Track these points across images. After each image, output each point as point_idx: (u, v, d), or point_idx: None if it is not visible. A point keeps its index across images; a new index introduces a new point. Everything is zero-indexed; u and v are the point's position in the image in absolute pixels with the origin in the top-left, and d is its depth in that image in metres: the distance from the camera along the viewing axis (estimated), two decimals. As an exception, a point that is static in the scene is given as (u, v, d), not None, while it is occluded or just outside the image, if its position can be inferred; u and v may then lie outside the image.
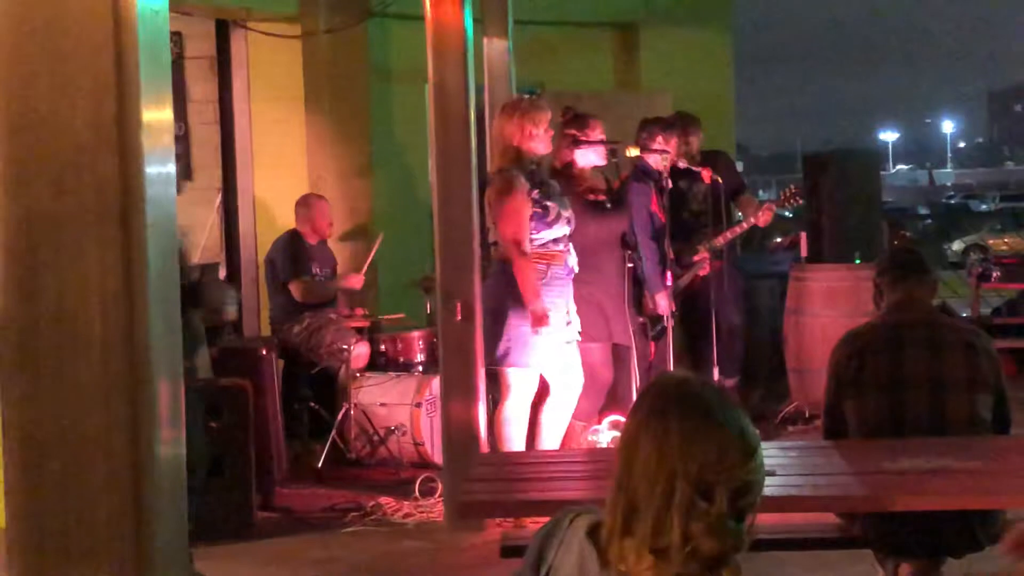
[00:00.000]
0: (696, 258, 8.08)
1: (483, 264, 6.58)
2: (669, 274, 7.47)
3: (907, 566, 4.31)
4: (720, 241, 8.20)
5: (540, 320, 6.20)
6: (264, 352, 7.21)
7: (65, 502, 2.25)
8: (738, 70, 12.25)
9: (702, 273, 8.06)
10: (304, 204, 8.47)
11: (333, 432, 7.56)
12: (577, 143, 6.93)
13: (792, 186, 8.81)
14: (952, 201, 50.48)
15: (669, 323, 7.47)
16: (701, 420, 2.01)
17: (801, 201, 8.67)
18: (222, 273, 9.51)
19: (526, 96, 6.65)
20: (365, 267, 8.49)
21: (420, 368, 8.04)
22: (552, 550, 2.17)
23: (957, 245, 27.75)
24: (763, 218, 8.42)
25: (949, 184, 75.86)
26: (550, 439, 6.52)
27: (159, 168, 2.35)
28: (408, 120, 9.82)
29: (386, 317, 8.39)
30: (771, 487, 3.85)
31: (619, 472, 2.04)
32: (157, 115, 2.34)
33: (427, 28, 6.30)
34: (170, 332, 2.33)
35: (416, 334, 8.19)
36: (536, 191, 6.31)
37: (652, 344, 7.45)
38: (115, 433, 2.24)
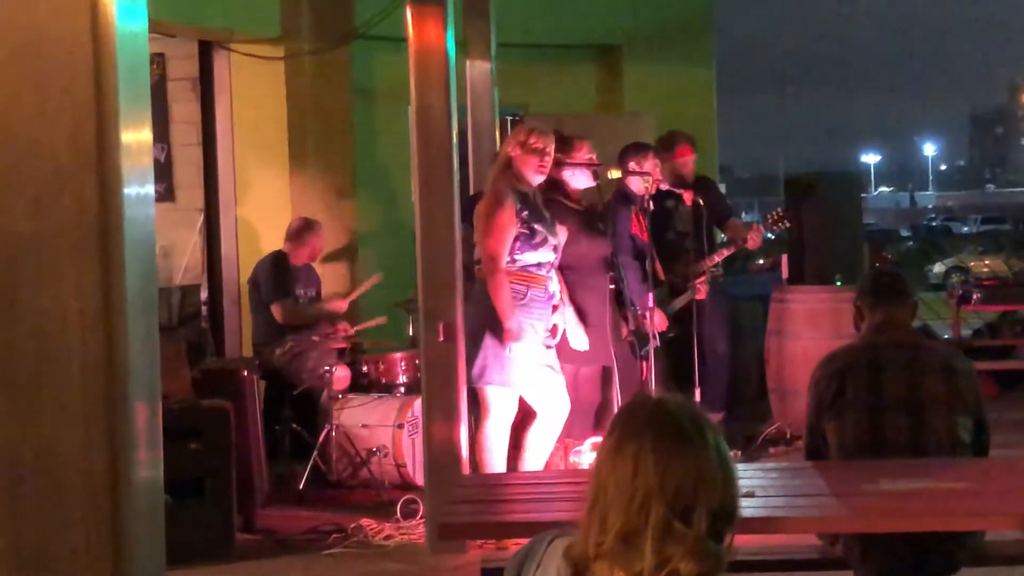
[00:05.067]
0: (698, 282, 8.05)
1: (466, 284, 6.58)
2: (651, 295, 7.46)
3: (888, 588, 4.32)
4: (710, 263, 8.20)
5: (513, 336, 6.22)
6: (246, 374, 7.18)
7: (43, 522, 2.24)
8: (720, 93, 12.30)
9: (698, 297, 8.04)
10: (307, 227, 8.46)
11: (315, 454, 7.54)
12: (563, 165, 6.94)
13: (779, 209, 8.82)
14: (934, 223, 50.88)
15: (654, 343, 7.48)
16: (677, 441, 2.01)
17: (787, 224, 8.69)
18: (203, 295, 9.50)
19: (544, 126, 6.67)
20: (353, 296, 8.52)
21: (402, 389, 8.02)
22: (529, 573, 2.17)
23: (938, 267, 27.85)
24: (753, 241, 8.48)
25: (930, 206, 76.34)
26: (534, 462, 6.52)
27: (138, 189, 2.36)
28: (392, 142, 9.85)
29: (364, 326, 8.36)
30: (751, 508, 3.87)
31: (593, 494, 2.03)
32: (136, 136, 2.34)
33: (410, 50, 6.31)
34: (148, 352, 2.33)
35: (398, 355, 8.17)
36: (525, 212, 6.33)
37: (644, 364, 7.43)
38: (93, 454, 2.24)
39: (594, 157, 7.09)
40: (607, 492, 2.01)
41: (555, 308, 6.59)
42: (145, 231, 2.38)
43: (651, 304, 7.22)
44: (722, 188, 11.47)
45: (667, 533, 1.95)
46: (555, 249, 6.47)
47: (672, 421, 2.03)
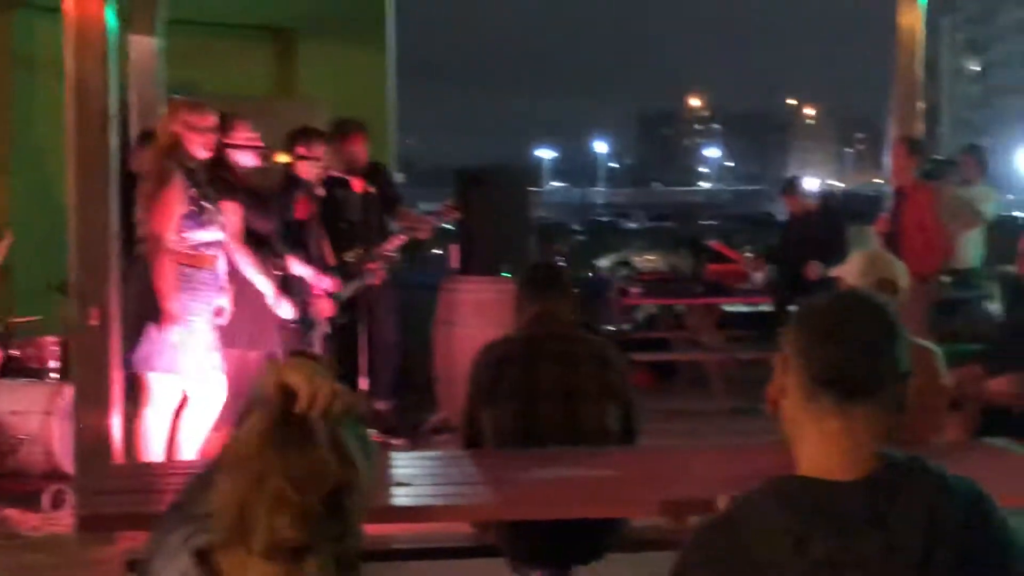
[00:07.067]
0: (371, 266, 8.00)
1: (129, 263, 6.37)
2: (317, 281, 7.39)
3: (539, 574, 4.40)
4: (382, 251, 8.18)
5: (173, 319, 6.06)
6: None
7: None
8: (401, 83, 12.31)
9: (371, 283, 8.01)
10: None
11: (-43, 442, 7.14)
12: (224, 146, 6.79)
13: (448, 201, 8.90)
14: (603, 219, 52.70)
15: (322, 329, 7.42)
16: (297, 425, 1.96)
17: (459, 215, 8.79)
18: None
19: (203, 101, 6.50)
20: None
21: (55, 375, 7.68)
22: (157, 567, 2.07)
23: (604, 261, 28.81)
24: (424, 231, 8.55)
25: (600, 202, 79.24)
26: (189, 450, 6.36)
27: None
28: (51, 117, 9.34)
29: (19, 320, 7.97)
30: (405, 497, 3.87)
31: (219, 478, 1.97)
32: None
33: (65, 22, 6.03)
34: None
35: (50, 339, 7.82)
36: (193, 190, 6.18)
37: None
38: None
39: (255, 137, 6.98)
40: (231, 475, 1.95)
41: (222, 289, 6.46)
42: None
43: (317, 290, 7.16)
44: (401, 177, 11.49)
45: (278, 504, 1.90)
46: (222, 227, 6.35)
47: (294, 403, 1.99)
